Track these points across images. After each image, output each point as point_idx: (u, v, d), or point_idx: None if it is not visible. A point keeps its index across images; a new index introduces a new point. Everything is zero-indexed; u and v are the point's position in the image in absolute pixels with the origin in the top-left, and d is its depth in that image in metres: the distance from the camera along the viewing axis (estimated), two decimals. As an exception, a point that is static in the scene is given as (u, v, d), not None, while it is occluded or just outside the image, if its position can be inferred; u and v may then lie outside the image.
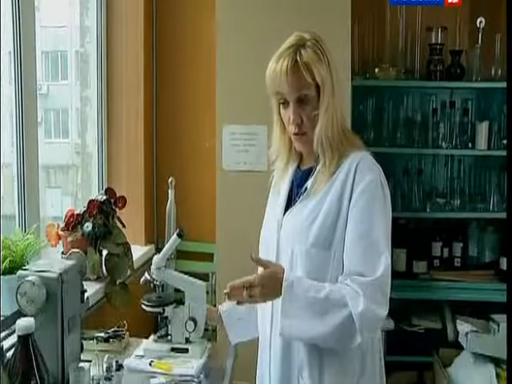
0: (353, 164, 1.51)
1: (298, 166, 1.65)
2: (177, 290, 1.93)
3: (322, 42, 1.55)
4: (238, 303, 1.49)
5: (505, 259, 2.86)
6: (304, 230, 1.52)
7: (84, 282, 1.78)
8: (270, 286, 1.45)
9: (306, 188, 1.57)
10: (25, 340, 1.32)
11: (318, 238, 1.50)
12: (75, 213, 2.24)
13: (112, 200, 2.33)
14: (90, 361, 1.60)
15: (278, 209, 1.62)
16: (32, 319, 1.36)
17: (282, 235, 1.58)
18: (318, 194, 1.53)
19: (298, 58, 1.50)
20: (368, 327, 1.43)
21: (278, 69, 1.50)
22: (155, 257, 1.80)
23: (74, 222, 2.20)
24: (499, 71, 2.97)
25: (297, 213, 1.56)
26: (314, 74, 1.49)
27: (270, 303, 1.57)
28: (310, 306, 1.44)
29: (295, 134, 1.55)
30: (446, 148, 3.07)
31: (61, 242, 2.20)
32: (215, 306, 1.90)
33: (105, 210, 2.26)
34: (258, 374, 1.69)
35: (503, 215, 2.79)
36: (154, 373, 1.70)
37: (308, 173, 1.59)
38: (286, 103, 1.54)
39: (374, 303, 1.41)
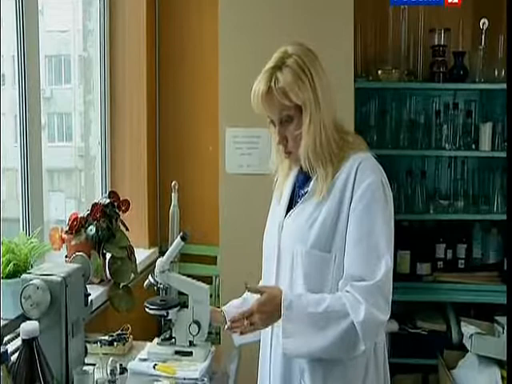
0: (354, 165, 1.51)
1: (301, 168, 1.64)
2: (180, 293, 1.93)
3: (307, 54, 1.53)
4: (241, 333, 1.50)
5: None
6: (304, 231, 1.52)
7: (88, 286, 1.78)
8: (269, 310, 1.46)
9: (307, 190, 1.57)
10: (29, 343, 1.32)
11: (319, 240, 1.50)
12: (79, 216, 2.24)
13: (115, 203, 2.33)
14: (94, 364, 1.60)
15: (280, 210, 1.63)
16: (36, 323, 1.36)
17: (283, 237, 1.59)
18: (318, 196, 1.53)
19: (273, 83, 1.49)
20: (370, 334, 1.44)
21: (256, 94, 1.52)
22: (159, 260, 1.80)
23: (77, 226, 2.20)
24: (502, 72, 2.96)
25: (298, 214, 1.56)
26: (291, 98, 1.48)
27: None
28: (311, 322, 1.45)
29: (284, 152, 1.57)
30: (450, 149, 3.06)
31: (64, 245, 2.21)
32: (219, 307, 1.90)
33: (108, 214, 2.27)
34: (259, 379, 1.70)
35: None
36: (158, 376, 1.70)
37: (309, 174, 1.59)
38: (272, 122, 1.55)
39: (375, 308, 1.41)
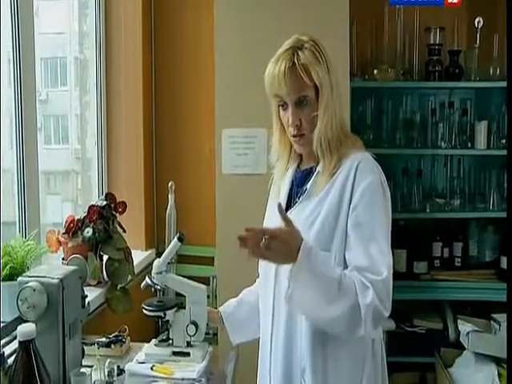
0: (353, 165, 1.51)
1: (298, 166, 1.65)
2: (178, 294, 1.93)
3: (320, 43, 1.56)
4: (250, 253, 1.38)
5: (505, 258, 2.85)
6: (304, 231, 1.50)
7: (85, 288, 1.79)
8: (289, 243, 1.39)
9: (306, 189, 1.57)
10: (26, 346, 1.32)
11: (318, 240, 1.50)
12: (75, 218, 2.24)
13: (112, 205, 2.33)
14: (92, 366, 1.60)
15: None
16: (33, 325, 1.36)
17: (282, 237, 1.58)
18: (317, 195, 1.53)
19: (296, 59, 1.50)
20: (371, 322, 1.42)
21: (276, 71, 1.51)
22: (156, 261, 1.81)
23: (74, 228, 2.20)
24: (497, 71, 2.98)
25: (297, 214, 1.56)
26: (312, 76, 1.50)
27: (270, 303, 1.58)
28: (323, 282, 1.41)
29: (294, 136, 1.56)
30: (446, 148, 3.07)
31: (61, 247, 2.21)
32: (216, 308, 1.91)
33: (105, 216, 2.27)
34: (258, 378, 1.70)
35: (503, 214, 2.79)
36: (156, 377, 1.70)
37: (308, 173, 1.60)
38: (284, 105, 1.55)
39: (380, 302, 1.41)
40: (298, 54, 1.51)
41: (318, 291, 1.42)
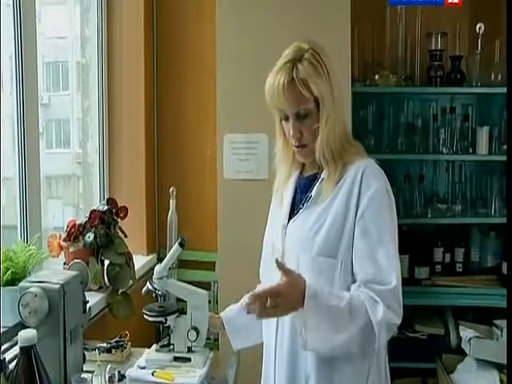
0: (358, 172, 1.51)
1: (301, 173, 1.65)
2: (179, 300, 1.93)
3: (322, 50, 1.56)
4: (257, 316, 1.38)
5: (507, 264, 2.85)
6: (309, 238, 1.52)
7: (86, 293, 1.79)
8: (294, 294, 1.38)
9: (311, 196, 1.57)
10: (27, 351, 1.32)
11: (324, 246, 1.50)
12: (77, 223, 2.24)
13: (113, 210, 2.33)
14: (93, 371, 1.61)
15: (282, 216, 1.62)
16: (34, 330, 1.36)
17: (287, 243, 1.58)
18: (323, 202, 1.53)
19: (295, 74, 1.49)
20: (384, 334, 1.43)
21: (276, 85, 1.50)
22: (157, 266, 1.81)
23: (75, 233, 2.20)
24: (499, 76, 2.97)
25: (302, 221, 1.56)
26: (312, 89, 1.50)
27: None
28: (333, 316, 1.41)
29: (296, 147, 1.56)
30: (447, 153, 3.07)
31: (62, 252, 2.21)
32: (217, 313, 1.90)
33: (106, 220, 2.27)
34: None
35: (505, 220, 2.77)
36: (157, 383, 1.70)
37: (312, 179, 1.60)
38: (286, 117, 1.55)
39: (391, 311, 1.42)
40: (297, 68, 1.50)
41: (330, 326, 1.41)
